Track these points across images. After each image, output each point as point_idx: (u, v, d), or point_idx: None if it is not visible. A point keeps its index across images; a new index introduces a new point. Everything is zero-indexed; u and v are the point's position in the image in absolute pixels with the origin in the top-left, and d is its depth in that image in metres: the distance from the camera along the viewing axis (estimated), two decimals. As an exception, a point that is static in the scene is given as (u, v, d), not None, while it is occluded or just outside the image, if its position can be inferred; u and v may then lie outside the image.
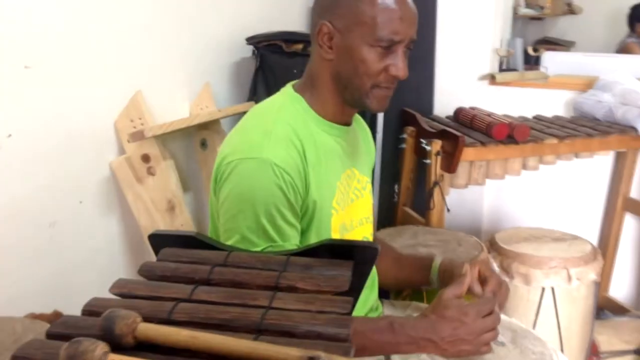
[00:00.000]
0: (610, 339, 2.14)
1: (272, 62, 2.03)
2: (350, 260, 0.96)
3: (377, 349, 1.13)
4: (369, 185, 1.37)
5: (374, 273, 1.38)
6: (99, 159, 1.64)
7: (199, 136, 1.92)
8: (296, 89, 1.24)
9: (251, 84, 2.10)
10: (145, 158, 1.65)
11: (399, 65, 1.14)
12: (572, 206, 2.66)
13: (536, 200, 2.69)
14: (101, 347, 0.66)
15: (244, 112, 1.98)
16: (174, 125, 1.61)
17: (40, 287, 1.49)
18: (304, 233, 1.17)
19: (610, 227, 2.60)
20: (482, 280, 1.25)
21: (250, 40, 2.07)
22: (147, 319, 0.73)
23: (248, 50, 2.13)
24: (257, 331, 0.76)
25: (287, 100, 1.22)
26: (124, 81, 1.68)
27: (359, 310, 1.27)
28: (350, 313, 0.81)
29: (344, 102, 1.20)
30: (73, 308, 1.30)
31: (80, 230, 1.59)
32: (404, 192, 2.36)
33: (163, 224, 1.67)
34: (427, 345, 1.12)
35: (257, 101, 2.01)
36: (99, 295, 1.34)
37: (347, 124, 1.27)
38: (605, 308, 2.52)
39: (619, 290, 2.69)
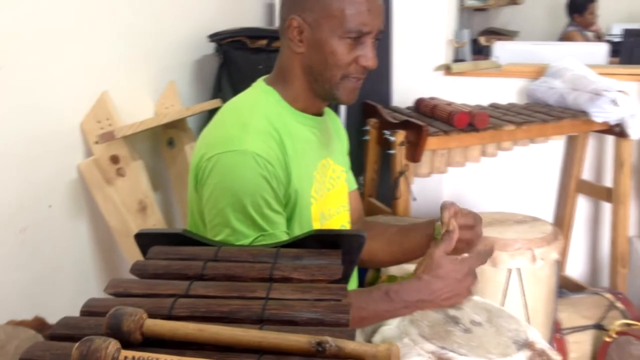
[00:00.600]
0: (570, 316, 2.23)
1: (237, 59, 2.03)
2: (339, 249, 0.99)
3: (375, 318, 1.14)
4: (344, 174, 1.40)
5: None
6: (67, 162, 1.61)
7: (166, 135, 1.91)
8: (268, 82, 1.26)
9: (215, 81, 2.10)
10: (114, 159, 1.63)
11: (368, 56, 1.18)
12: (528, 190, 2.76)
13: (493, 186, 2.78)
14: (113, 344, 0.67)
15: (212, 110, 2.00)
16: (144, 124, 1.60)
17: (12, 293, 1.46)
18: (287, 222, 1.19)
19: (564, 209, 2.71)
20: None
21: (214, 37, 2.07)
22: (148, 316, 0.74)
23: (210, 48, 2.13)
24: (260, 321, 0.78)
25: (260, 94, 1.24)
26: (88, 82, 1.66)
27: None
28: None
29: (314, 94, 1.23)
30: (47, 312, 1.29)
31: (50, 234, 1.57)
32: (368, 183, 2.40)
33: (135, 225, 1.65)
34: (424, 304, 1.14)
35: (222, 98, 2.02)
36: (72, 299, 1.34)
37: (320, 114, 1.30)
38: (563, 287, 2.62)
39: (575, 268, 2.81)
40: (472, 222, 1.27)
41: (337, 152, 1.39)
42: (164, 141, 1.92)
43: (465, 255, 1.22)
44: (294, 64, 1.21)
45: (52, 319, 1.26)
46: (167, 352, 0.70)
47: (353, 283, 1.40)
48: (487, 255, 1.22)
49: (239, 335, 0.72)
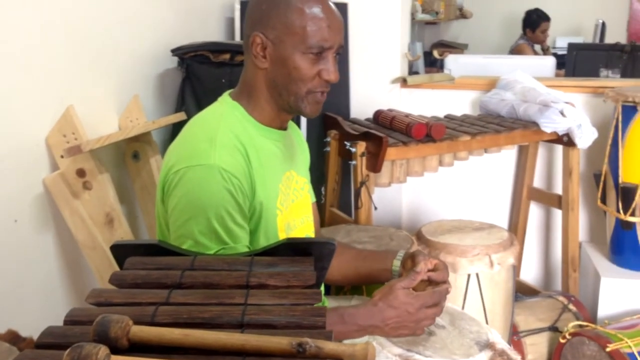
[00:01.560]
0: (526, 319, 2.32)
1: (200, 73, 2.06)
2: (311, 257, 1.03)
3: None
4: (307, 186, 1.44)
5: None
6: (32, 176, 1.61)
7: (131, 148, 1.92)
8: (233, 97, 1.29)
9: (178, 95, 2.12)
10: (81, 173, 1.64)
11: (330, 70, 1.23)
12: (483, 198, 2.86)
13: (450, 194, 2.87)
14: (103, 349, 0.69)
15: (177, 123, 2.02)
16: (111, 138, 1.61)
17: (-21, 310, 1.45)
18: (252, 233, 1.23)
19: (517, 216, 2.81)
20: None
21: (176, 51, 2.09)
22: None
23: (173, 62, 2.15)
24: (240, 326, 0.82)
25: (226, 109, 1.27)
26: (51, 96, 1.66)
27: None
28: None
29: (279, 108, 1.27)
30: (15, 326, 1.29)
31: (17, 249, 1.56)
32: (330, 194, 2.45)
33: (102, 238, 1.66)
34: (374, 330, 1.22)
35: (186, 111, 2.04)
36: (39, 313, 1.34)
37: (284, 128, 1.34)
38: (518, 291, 2.71)
39: (529, 273, 2.91)
40: (442, 278, 1.30)
41: (300, 164, 1.44)
42: (128, 154, 1.93)
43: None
44: (258, 79, 1.25)
45: (21, 332, 1.27)
46: (155, 357, 0.72)
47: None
48: (442, 294, 1.27)
49: (222, 339, 0.75)
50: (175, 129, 2.14)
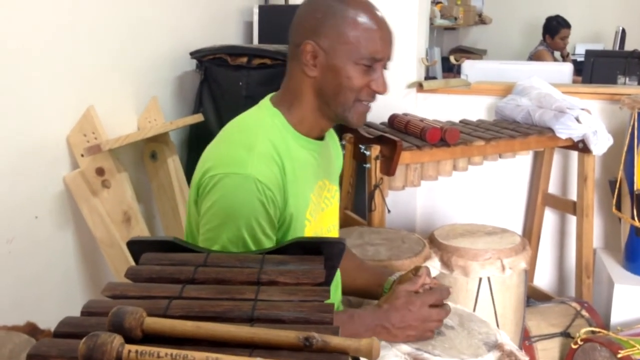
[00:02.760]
0: (539, 324, 2.32)
1: (218, 75, 2.10)
2: (321, 255, 1.06)
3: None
4: (337, 194, 1.44)
5: (338, 275, 1.46)
6: (53, 174, 1.66)
7: (149, 148, 1.96)
8: (274, 103, 1.29)
9: (196, 97, 2.16)
10: (100, 171, 1.68)
11: (380, 81, 1.23)
12: (497, 203, 2.86)
13: (464, 199, 2.88)
14: (118, 339, 0.72)
15: (195, 124, 2.06)
16: (130, 138, 1.65)
17: (0, 302, 1.49)
18: (279, 242, 1.23)
19: (532, 221, 2.81)
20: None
21: (195, 54, 2.13)
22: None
23: (191, 64, 2.19)
24: (250, 320, 0.84)
25: (266, 115, 1.27)
26: (73, 97, 1.71)
27: None
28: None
29: (323, 116, 1.27)
30: (34, 319, 1.33)
31: (37, 245, 1.61)
32: (344, 196, 2.47)
33: (119, 236, 1.70)
34: (381, 331, 1.24)
35: (204, 113, 2.08)
36: (58, 307, 1.37)
37: (321, 138, 1.33)
38: (531, 296, 2.71)
39: (542, 279, 2.91)
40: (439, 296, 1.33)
41: (334, 172, 1.44)
42: (146, 154, 1.97)
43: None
44: (305, 87, 1.25)
45: (40, 325, 1.31)
46: (168, 347, 0.75)
47: (338, 292, 1.46)
48: (442, 292, 1.30)
49: (232, 332, 0.78)
50: (192, 130, 2.18)
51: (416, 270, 1.38)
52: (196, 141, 2.17)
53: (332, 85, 1.22)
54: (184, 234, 1.32)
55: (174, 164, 1.95)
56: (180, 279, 0.96)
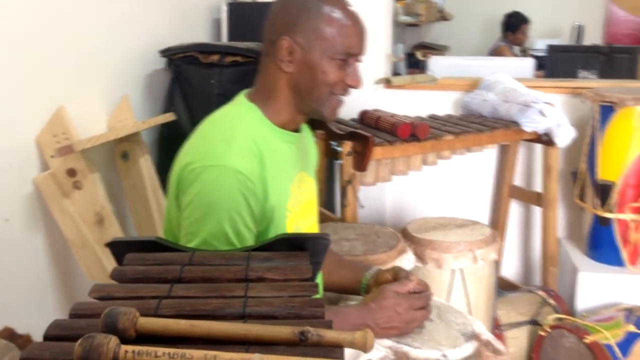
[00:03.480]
0: (508, 313, 2.38)
1: (189, 74, 2.08)
2: (306, 251, 1.07)
3: None
4: (315, 187, 1.47)
5: (320, 273, 1.48)
6: (22, 176, 1.63)
7: (120, 148, 1.93)
8: (249, 98, 1.31)
9: (167, 95, 2.14)
10: (71, 172, 1.65)
11: (354, 76, 1.28)
12: (464, 196, 2.91)
13: (432, 193, 2.92)
14: (114, 339, 0.72)
15: (166, 123, 2.04)
16: (102, 138, 1.63)
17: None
18: (262, 235, 1.25)
19: (498, 213, 2.88)
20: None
21: (165, 52, 2.11)
22: (137, 316, 0.79)
23: (161, 63, 2.17)
24: (242, 317, 0.85)
25: (243, 110, 1.29)
26: (41, 97, 1.68)
27: None
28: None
29: (298, 111, 1.30)
30: (5, 323, 1.31)
31: (7, 248, 1.57)
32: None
33: (92, 237, 1.68)
34: (362, 329, 1.26)
35: (175, 112, 2.06)
36: (29, 311, 1.36)
37: (298, 130, 1.36)
38: (499, 286, 2.77)
39: (509, 269, 2.98)
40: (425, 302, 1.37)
41: (311, 165, 1.47)
42: (118, 154, 1.95)
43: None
44: (280, 82, 1.27)
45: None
46: (164, 347, 0.75)
47: (319, 291, 1.47)
48: (428, 298, 1.35)
49: (228, 329, 0.78)
50: (163, 130, 2.16)
51: (395, 272, 1.42)
52: (168, 140, 2.15)
53: (307, 80, 1.25)
54: (163, 231, 1.32)
55: (146, 164, 1.93)
56: (167, 279, 0.96)
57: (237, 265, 0.99)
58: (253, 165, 1.20)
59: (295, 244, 1.08)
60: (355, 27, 1.26)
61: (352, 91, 1.32)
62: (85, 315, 0.85)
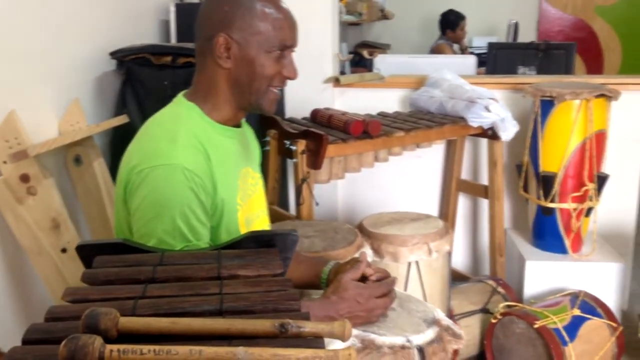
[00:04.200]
0: (460, 303, 2.46)
1: (141, 75, 2.06)
2: (275, 248, 1.09)
3: None
4: (261, 181, 1.50)
5: None
6: (-27, 183, 1.58)
7: (72, 152, 1.90)
8: (188, 98, 1.33)
9: (119, 98, 2.11)
10: (24, 178, 1.62)
11: (290, 67, 1.32)
12: (415, 191, 2.99)
13: (383, 188, 2.98)
14: (98, 339, 0.73)
15: (119, 126, 2.02)
16: (57, 142, 1.60)
17: None
18: (214, 229, 1.27)
19: (447, 206, 2.96)
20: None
21: (115, 54, 2.08)
22: (114, 317, 0.80)
23: (111, 65, 2.14)
24: (220, 313, 0.86)
25: (183, 109, 1.31)
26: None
27: None
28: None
29: (238, 106, 1.33)
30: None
31: (-40, 257, 1.53)
32: (270, 192, 2.49)
33: (48, 243, 1.65)
34: (329, 322, 1.29)
35: (128, 114, 2.04)
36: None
37: (239, 126, 1.39)
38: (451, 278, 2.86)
39: (459, 260, 3.07)
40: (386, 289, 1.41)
41: (254, 160, 1.50)
42: (70, 158, 1.91)
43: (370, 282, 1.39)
44: (219, 79, 1.29)
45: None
46: (147, 344, 0.76)
47: None
48: (389, 284, 1.39)
49: (209, 325, 0.80)
50: (116, 132, 2.13)
51: (354, 261, 1.45)
52: (121, 143, 2.09)
53: (246, 74, 1.28)
54: (114, 235, 1.32)
55: (100, 168, 1.91)
56: (140, 279, 0.96)
57: (209, 264, 1.00)
58: (199, 161, 1.22)
59: (263, 240, 1.11)
60: (288, 20, 1.31)
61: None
62: (62, 319, 0.84)
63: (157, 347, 0.73)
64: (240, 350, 0.74)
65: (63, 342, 0.71)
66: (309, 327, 0.80)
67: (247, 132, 1.51)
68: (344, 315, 1.30)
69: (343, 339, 0.82)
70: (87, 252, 1.08)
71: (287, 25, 1.30)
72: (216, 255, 1.04)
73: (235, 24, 1.26)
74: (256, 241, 1.11)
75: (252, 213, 1.40)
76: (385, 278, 1.43)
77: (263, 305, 0.88)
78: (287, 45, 1.30)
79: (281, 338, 0.79)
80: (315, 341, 0.79)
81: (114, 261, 1.03)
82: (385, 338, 1.31)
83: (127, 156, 1.26)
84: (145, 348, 0.73)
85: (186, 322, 0.80)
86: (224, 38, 1.26)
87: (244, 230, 1.33)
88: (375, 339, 1.31)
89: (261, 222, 1.45)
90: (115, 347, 0.73)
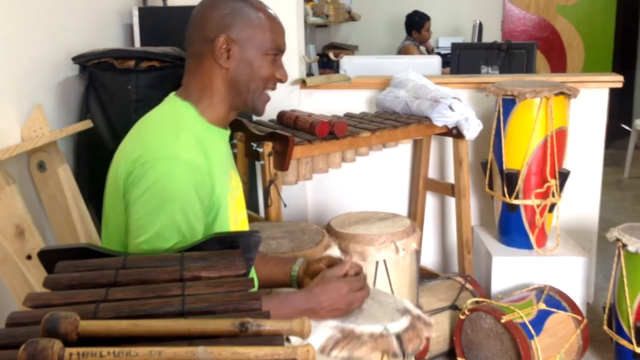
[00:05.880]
0: (429, 300, 2.49)
1: (104, 80, 2.05)
2: (238, 249, 1.10)
3: None
4: (241, 185, 1.52)
5: (253, 270, 1.51)
6: None
7: (36, 158, 1.88)
8: (182, 97, 1.34)
9: (82, 102, 2.09)
10: (-14, 185, 1.60)
11: (282, 71, 1.38)
12: (383, 190, 3.02)
13: (352, 189, 3.01)
14: (57, 343, 0.73)
15: (83, 131, 2.00)
16: (20, 148, 1.59)
17: None
18: (210, 227, 1.29)
19: (416, 205, 2.99)
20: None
21: (78, 59, 2.07)
22: (75, 321, 0.80)
23: (74, 69, 2.12)
24: (181, 315, 0.87)
25: (179, 108, 1.33)
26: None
27: None
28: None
29: (232, 107, 1.36)
30: None
31: None
32: (239, 194, 2.50)
33: (12, 250, 1.63)
34: (311, 314, 1.33)
35: (92, 119, 2.02)
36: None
37: (226, 128, 1.41)
38: (420, 276, 2.89)
39: (428, 258, 3.11)
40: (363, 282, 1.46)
41: (233, 162, 1.51)
42: (33, 164, 1.89)
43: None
44: (217, 79, 1.32)
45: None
46: (107, 347, 0.76)
47: (255, 284, 1.51)
48: (364, 279, 1.46)
49: (169, 326, 0.81)
50: (80, 138, 2.12)
51: (328, 260, 1.52)
52: (85, 148, 2.10)
53: (244, 74, 1.32)
54: (102, 237, 1.32)
55: (64, 173, 1.89)
56: (102, 283, 0.96)
57: (172, 266, 1.01)
58: (200, 158, 1.24)
59: (226, 242, 1.12)
60: (281, 26, 1.38)
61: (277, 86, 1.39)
62: (23, 324, 0.84)
63: (116, 349, 0.74)
64: (199, 349, 0.75)
65: (22, 347, 0.72)
66: (268, 325, 0.81)
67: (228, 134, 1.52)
68: (326, 308, 1.35)
69: (302, 336, 0.83)
70: (50, 258, 1.08)
71: (281, 30, 1.37)
72: (179, 257, 1.05)
73: (236, 27, 1.31)
74: (219, 243, 1.12)
75: (238, 214, 1.42)
76: (360, 272, 1.48)
77: (224, 305, 0.89)
78: (281, 49, 1.36)
79: (242, 337, 0.80)
80: (275, 339, 0.81)
81: (76, 266, 1.03)
82: (364, 327, 1.35)
83: (125, 151, 1.26)
84: (105, 350, 0.74)
85: (146, 324, 0.80)
86: (224, 39, 1.29)
87: (234, 228, 1.36)
88: (354, 328, 1.35)
89: (242, 224, 1.47)
90: (74, 350, 0.73)
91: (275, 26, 1.35)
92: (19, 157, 1.88)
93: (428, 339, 1.48)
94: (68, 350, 0.73)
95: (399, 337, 1.37)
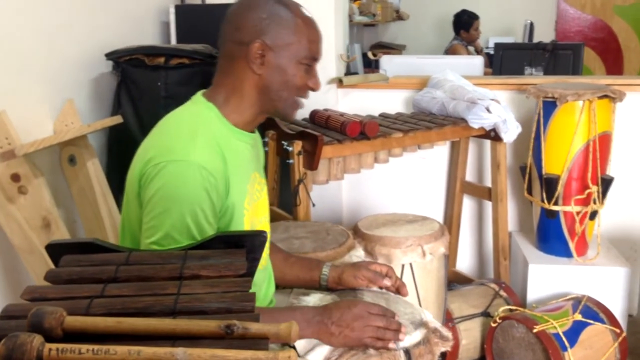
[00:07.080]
0: (460, 306, 2.43)
1: (135, 76, 2.08)
2: (242, 249, 1.09)
3: None
4: (266, 187, 1.50)
5: (270, 269, 1.50)
6: (-35, 183, 1.61)
7: (66, 152, 1.92)
8: (207, 98, 1.33)
9: (114, 98, 2.13)
10: (15, 177, 1.64)
11: (316, 80, 1.35)
12: (419, 192, 2.96)
13: (388, 190, 2.96)
14: (37, 338, 0.73)
15: (114, 127, 2.03)
16: (45, 142, 1.62)
17: None
18: (220, 231, 1.27)
19: (452, 208, 2.93)
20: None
21: (111, 55, 2.11)
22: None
23: (108, 66, 2.16)
24: (172, 314, 0.86)
25: (202, 109, 1.32)
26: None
27: (261, 303, 1.39)
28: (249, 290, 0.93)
29: (261, 111, 1.34)
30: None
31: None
32: (270, 193, 2.49)
33: (39, 242, 1.67)
34: (320, 327, 1.28)
35: (123, 114, 2.05)
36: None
37: (253, 131, 1.40)
38: (454, 281, 2.83)
39: (463, 263, 3.04)
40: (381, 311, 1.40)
41: (262, 165, 1.50)
42: (64, 158, 1.93)
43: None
44: (248, 83, 1.31)
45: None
46: (90, 344, 0.76)
47: (271, 287, 1.50)
48: (390, 322, 1.35)
49: (154, 325, 0.80)
50: (111, 133, 2.16)
51: (364, 266, 1.53)
52: (116, 143, 2.14)
53: (277, 82, 1.30)
54: (120, 235, 1.33)
55: (94, 167, 1.92)
56: (101, 279, 0.96)
57: (173, 264, 1.00)
58: (216, 162, 1.23)
59: (232, 241, 1.10)
60: (318, 34, 1.34)
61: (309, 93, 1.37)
62: (16, 317, 0.85)
63: (96, 347, 0.73)
64: (179, 350, 0.73)
65: (2, 341, 0.72)
66: (254, 328, 0.80)
67: (257, 137, 1.50)
68: (336, 323, 1.28)
69: (289, 340, 0.81)
70: (57, 251, 1.09)
71: (318, 38, 1.34)
72: (182, 255, 1.04)
73: (272, 33, 1.28)
74: (225, 242, 1.11)
75: (256, 218, 1.40)
76: (388, 272, 1.49)
77: (216, 305, 0.87)
78: (316, 58, 1.34)
79: (227, 339, 0.79)
80: (260, 342, 0.79)
81: (80, 260, 1.04)
82: None
83: (143, 150, 1.27)
84: (84, 347, 0.73)
85: (131, 322, 0.80)
86: (260, 44, 1.27)
87: None
88: None
89: (263, 227, 1.45)
90: (54, 346, 0.73)
91: (312, 34, 1.32)
92: (51, 151, 1.93)
93: (448, 354, 1.41)
94: (48, 345, 0.73)
95: (407, 352, 1.31)
